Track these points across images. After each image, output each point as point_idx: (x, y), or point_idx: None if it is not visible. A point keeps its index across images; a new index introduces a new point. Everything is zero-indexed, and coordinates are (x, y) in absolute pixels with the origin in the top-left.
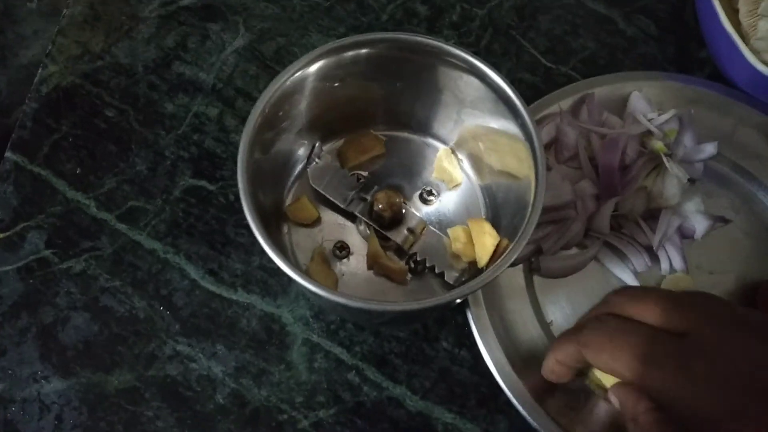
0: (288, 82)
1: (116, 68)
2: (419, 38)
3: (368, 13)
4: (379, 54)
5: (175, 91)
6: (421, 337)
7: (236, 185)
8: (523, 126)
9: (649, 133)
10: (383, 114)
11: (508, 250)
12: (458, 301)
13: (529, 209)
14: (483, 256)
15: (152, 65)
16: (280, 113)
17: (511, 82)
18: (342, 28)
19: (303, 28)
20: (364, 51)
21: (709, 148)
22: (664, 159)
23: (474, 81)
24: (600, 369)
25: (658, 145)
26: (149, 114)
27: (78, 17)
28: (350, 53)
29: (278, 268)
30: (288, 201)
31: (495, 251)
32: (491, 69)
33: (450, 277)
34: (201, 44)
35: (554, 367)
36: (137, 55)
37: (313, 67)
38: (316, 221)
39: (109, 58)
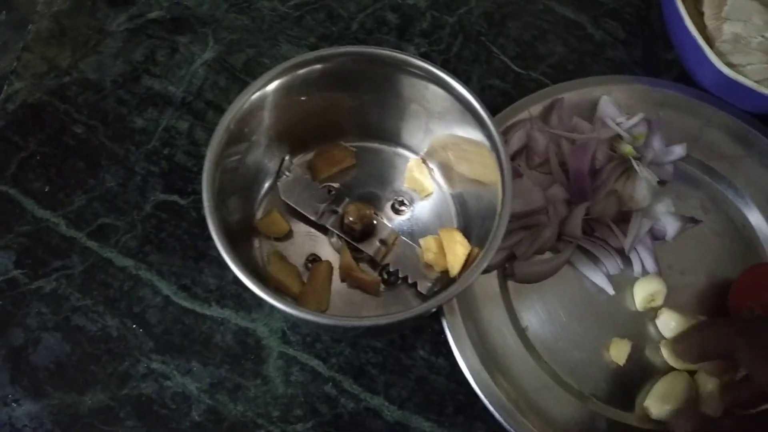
0: (253, 98)
1: (84, 83)
2: (383, 51)
3: (338, 23)
4: (343, 67)
5: (144, 105)
6: (398, 346)
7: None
8: (489, 136)
9: (618, 137)
10: (353, 126)
11: (478, 258)
12: (433, 310)
13: (497, 217)
14: (455, 265)
15: (121, 80)
16: (246, 129)
17: (481, 89)
18: (312, 38)
19: (272, 38)
20: (328, 65)
21: (678, 150)
22: (634, 162)
23: (440, 92)
24: (746, 369)
25: (627, 148)
26: (118, 129)
27: (44, 32)
28: (315, 67)
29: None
30: (259, 215)
31: (467, 260)
32: (455, 80)
33: (423, 287)
34: (170, 57)
35: (691, 347)
36: (105, 69)
37: (278, 82)
38: (288, 234)
39: (77, 74)
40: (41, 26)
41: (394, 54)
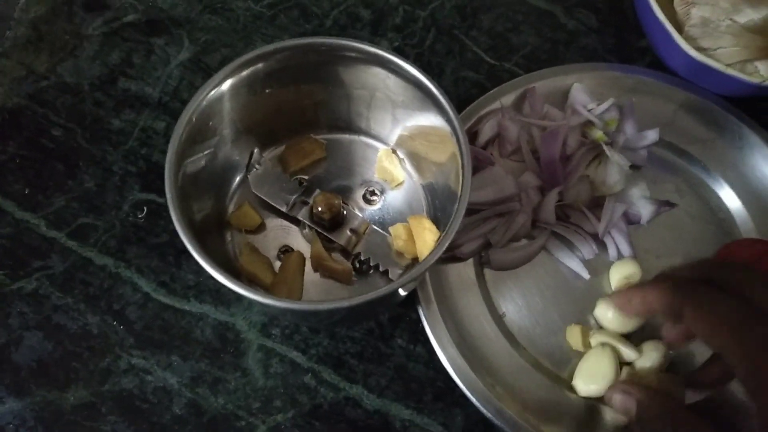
0: (212, 93)
1: (62, 87)
2: (337, 40)
3: (312, 20)
4: (303, 59)
5: (121, 106)
6: (377, 336)
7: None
8: (448, 120)
9: (590, 123)
10: (322, 118)
11: (441, 236)
12: (402, 292)
13: (458, 198)
14: (424, 251)
15: (98, 82)
16: (210, 123)
17: (455, 81)
18: (286, 35)
19: (247, 38)
20: (286, 57)
21: (651, 135)
22: (605, 147)
23: (399, 80)
24: (695, 331)
25: (598, 134)
26: (96, 131)
27: (21, 38)
28: (275, 59)
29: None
30: (231, 208)
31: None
32: (409, 64)
33: (394, 274)
34: (146, 59)
35: (635, 301)
36: (82, 73)
37: (239, 77)
38: (260, 227)
39: (54, 78)
40: (18, 32)
41: (349, 42)
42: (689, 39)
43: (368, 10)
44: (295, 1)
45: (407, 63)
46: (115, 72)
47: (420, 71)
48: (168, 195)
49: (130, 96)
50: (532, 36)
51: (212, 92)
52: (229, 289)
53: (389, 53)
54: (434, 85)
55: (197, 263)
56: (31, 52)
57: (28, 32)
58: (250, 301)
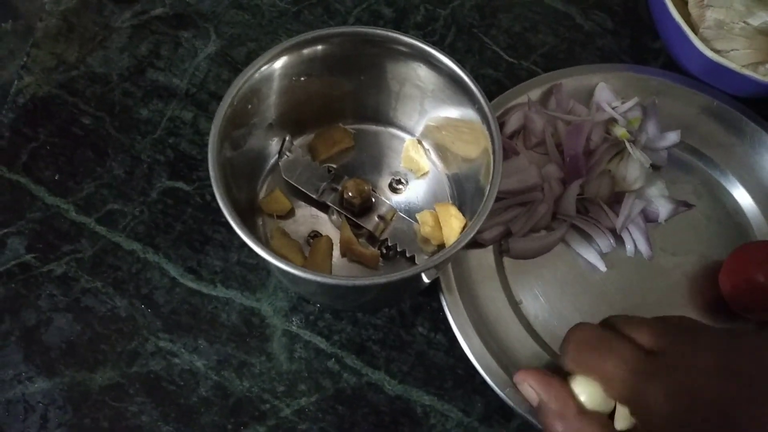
0: (254, 77)
1: (91, 77)
2: (375, 30)
3: (335, 17)
4: (339, 48)
5: (149, 97)
6: (398, 323)
7: (212, 185)
8: (479, 110)
9: (613, 120)
10: (351, 108)
11: (471, 223)
12: (426, 279)
13: (488, 184)
14: (451, 237)
15: (126, 73)
16: (249, 107)
17: (475, 78)
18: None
19: (272, 33)
20: (325, 45)
21: (672, 137)
22: (627, 144)
23: (431, 70)
24: (578, 370)
25: (621, 131)
26: (125, 120)
27: (52, 30)
28: (312, 48)
29: (256, 263)
30: (262, 194)
31: (462, 233)
32: (444, 55)
33: (420, 260)
34: (174, 51)
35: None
36: (111, 63)
37: (278, 63)
38: (290, 213)
39: (84, 68)
40: (50, 23)
41: (386, 32)
42: (704, 41)
43: (390, 8)
44: None
45: (444, 54)
46: (143, 63)
47: (455, 62)
48: (213, 177)
49: (158, 87)
50: (549, 36)
51: (255, 76)
52: (255, 276)
53: (426, 44)
54: (468, 77)
55: (224, 250)
56: (61, 43)
57: (59, 23)
58: (275, 287)
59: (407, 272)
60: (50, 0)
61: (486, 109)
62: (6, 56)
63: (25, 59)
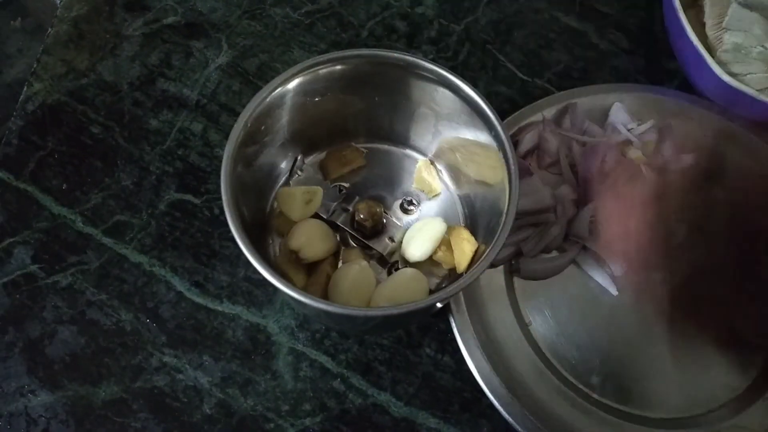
0: (269, 98)
1: (101, 85)
2: (393, 53)
3: (348, 30)
4: (355, 69)
5: (159, 107)
6: (405, 344)
7: (221, 198)
8: (496, 136)
9: (628, 142)
10: (363, 127)
11: (485, 254)
12: (439, 305)
13: (504, 215)
14: (462, 261)
15: (137, 82)
16: (263, 127)
17: (488, 95)
18: (323, 44)
19: (285, 44)
20: (340, 67)
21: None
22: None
23: (448, 94)
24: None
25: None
26: (134, 130)
27: (63, 36)
28: (327, 69)
29: (263, 280)
30: (273, 213)
31: (473, 257)
32: (463, 82)
33: (431, 283)
34: (185, 61)
35: None
36: (122, 72)
37: (293, 83)
38: None
39: (94, 76)
40: (60, 30)
41: (405, 57)
42: (721, 64)
43: (404, 22)
44: (332, 10)
45: (463, 82)
46: (154, 73)
47: (473, 89)
48: (224, 199)
49: (168, 97)
50: (564, 54)
51: (270, 96)
52: (262, 291)
53: (448, 72)
54: (486, 104)
55: (231, 265)
56: (72, 50)
57: (70, 30)
58: (282, 304)
59: (420, 304)
60: (62, 6)
61: (503, 136)
62: (15, 54)
63: (35, 66)
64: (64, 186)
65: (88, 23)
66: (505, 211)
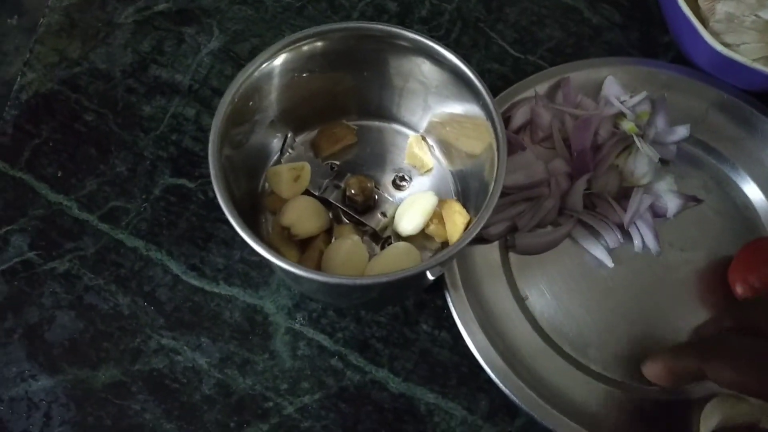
0: (255, 73)
1: (94, 74)
2: (374, 25)
3: (339, 11)
4: (341, 44)
5: (152, 93)
6: (402, 321)
7: (213, 183)
8: (484, 106)
9: (622, 114)
10: (354, 104)
11: (475, 220)
12: (430, 276)
13: (493, 181)
14: (454, 234)
15: (129, 69)
16: (251, 103)
17: (481, 73)
18: (314, 26)
19: (276, 28)
20: (325, 41)
21: (681, 131)
22: (636, 138)
23: (434, 66)
24: (721, 385)
25: (629, 125)
26: (128, 117)
27: (54, 26)
28: (312, 44)
29: (259, 260)
30: (264, 191)
31: (466, 229)
32: (448, 50)
33: (424, 257)
34: (176, 47)
35: (663, 374)
36: (114, 60)
37: (280, 59)
38: None
39: (87, 64)
40: (52, 20)
41: (388, 28)
42: (714, 34)
43: (395, 2)
44: None
45: (447, 50)
46: (146, 59)
47: (458, 57)
48: (213, 176)
49: (161, 83)
50: (556, 30)
51: (255, 73)
52: (258, 273)
53: (430, 40)
54: (473, 72)
55: (226, 247)
56: (64, 39)
57: (62, 19)
58: (278, 284)
59: (411, 270)
60: None
61: (490, 105)
62: (12, 51)
63: (28, 55)
64: (60, 173)
65: (79, 12)
66: (494, 177)
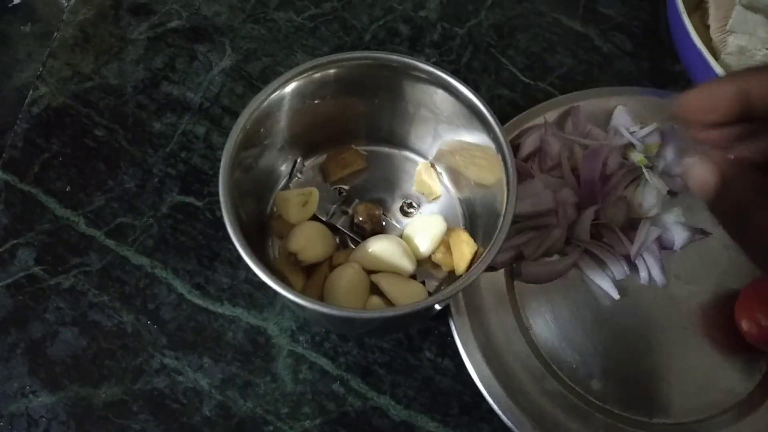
0: (268, 100)
1: (105, 89)
2: (389, 55)
3: (351, 33)
4: (355, 72)
5: (163, 110)
6: (405, 347)
7: (222, 208)
8: (495, 138)
9: (631, 145)
10: (364, 130)
11: (483, 255)
12: (437, 307)
13: (502, 216)
14: (461, 264)
15: (141, 86)
16: (262, 130)
17: (491, 99)
18: (326, 47)
19: (288, 48)
20: (340, 69)
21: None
22: (645, 171)
23: (447, 96)
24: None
25: (639, 157)
26: (138, 133)
27: (68, 40)
28: (327, 72)
29: (263, 282)
30: (272, 215)
31: (473, 259)
32: (462, 84)
33: (430, 286)
34: (188, 65)
35: (702, 99)
36: (126, 76)
37: (292, 86)
38: None
39: (99, 79)
40: (66, 34)
41: (404, 59)
42: (725, 66)
43: (407, 25)
44: (335, 14)
45: (462, 84)
46: (158, 76)
47: (472, 91)
48: (223, 202)
49: (171, 100)
50: (567, 57)
51: (269, 99)
52: (262, 294)
53: (446, 73)
54: (484, 106)
55: (232, 267)
56: (77, 54)
57: (76, 34)
58: (282, 306)
59: (418, 305)
60: (68, 10)
61: (501, 138)
62: (25, 59)
63: (40, 69)
64: (68, 188)
65: (93, 27)
66: (503, 212)
